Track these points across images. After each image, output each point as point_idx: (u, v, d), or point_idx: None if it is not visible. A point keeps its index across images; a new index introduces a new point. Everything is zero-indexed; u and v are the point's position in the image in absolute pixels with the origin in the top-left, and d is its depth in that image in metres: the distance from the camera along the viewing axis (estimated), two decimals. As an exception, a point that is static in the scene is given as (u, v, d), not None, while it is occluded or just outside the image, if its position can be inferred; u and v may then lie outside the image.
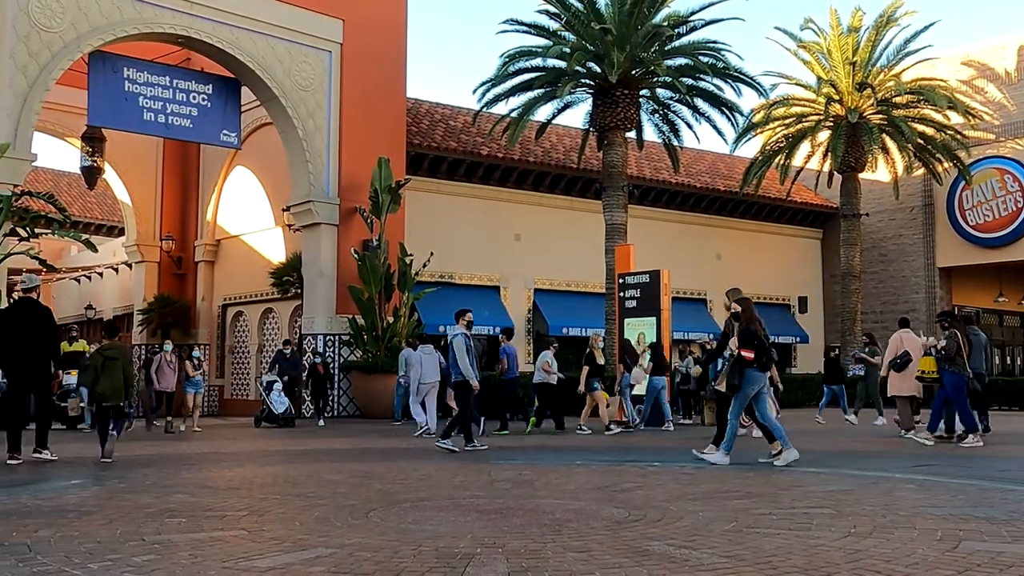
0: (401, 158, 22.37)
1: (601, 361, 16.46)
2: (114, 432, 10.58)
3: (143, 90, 20.29)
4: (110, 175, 25.88)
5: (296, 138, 21.21)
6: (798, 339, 31.05)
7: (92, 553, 4.86)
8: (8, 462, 9.79)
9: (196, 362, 17.37)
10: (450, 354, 12.17)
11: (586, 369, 15.94)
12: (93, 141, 23.02)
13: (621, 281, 18.89)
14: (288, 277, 22.55)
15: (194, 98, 21.09)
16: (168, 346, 17.58)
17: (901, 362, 13.45)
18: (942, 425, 12.88)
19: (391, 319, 20.54)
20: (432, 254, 21.68)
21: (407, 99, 23.77)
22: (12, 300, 11.22)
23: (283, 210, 22.79)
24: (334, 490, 7.82)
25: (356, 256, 20.60)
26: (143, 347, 25.75)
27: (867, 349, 17.64)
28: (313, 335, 21.16)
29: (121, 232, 30.10)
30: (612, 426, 15.62)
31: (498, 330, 24.78)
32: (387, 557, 4.72)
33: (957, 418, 12.63)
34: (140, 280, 27.12)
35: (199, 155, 26.78)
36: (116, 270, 30.61)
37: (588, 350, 16.24)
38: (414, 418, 15.88)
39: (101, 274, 31.87)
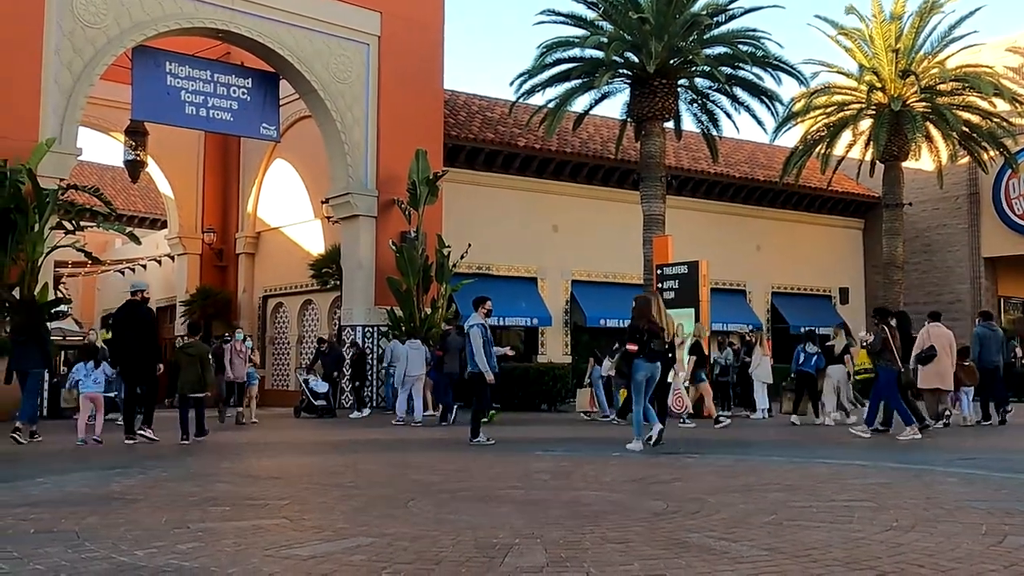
0: (438, 150, 22.43)
1: (707, 352, 16.13)
2: (197, 419, 12.08)
3: (185, 84, 20.55)
4: (153, 169, 26.26)
5: (334, 131, 21.35)
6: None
7: (138, 540, 4.95)
8: (125, 441, 11.58)
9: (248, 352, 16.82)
10: (467, 345, 11.67)
11: (692, 360, 15.39)
12: (136, 135, 23.37)
13: (659, 272, 18.79)
14: (327, 269, 22.73)
15: (234, 92, 21.31)
16: (240, 334, 17.24)
17: (926, 356, 13.70)
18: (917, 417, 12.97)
19: (429, 310, 20.63)
20: (469, 245, 21.73)
21: (444, 91, 23.81)
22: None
23: (322, 202, 22.97)
24: (372, 480, 7.89)
25: (394, 248, 20.71)
26: (213, 338, 26.09)
27: (832, 342, 15.79)
28: (352, 326, 21.32)
29: (164, 225, 30.53)
30: (721, 418, 14.84)
31: (536, 321, 24.92)
32: (426, 547, 4.76)
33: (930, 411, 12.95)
34: (182, 272, 27.50)
35: (239, 148, 27.06)
36: (159, 262, 31.06)
37: (695, 340, 15.75)
38: (396, 408, 16.61)
39: (145, 266, 32.35)
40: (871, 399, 13.03)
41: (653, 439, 10.64)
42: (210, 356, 13.18)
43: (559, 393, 20.29)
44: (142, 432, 11.72)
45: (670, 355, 11.65)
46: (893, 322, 12.76)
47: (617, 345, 16.78)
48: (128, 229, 20.42)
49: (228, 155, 27.36)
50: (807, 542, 4.83)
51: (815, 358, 15.41)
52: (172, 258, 28.72)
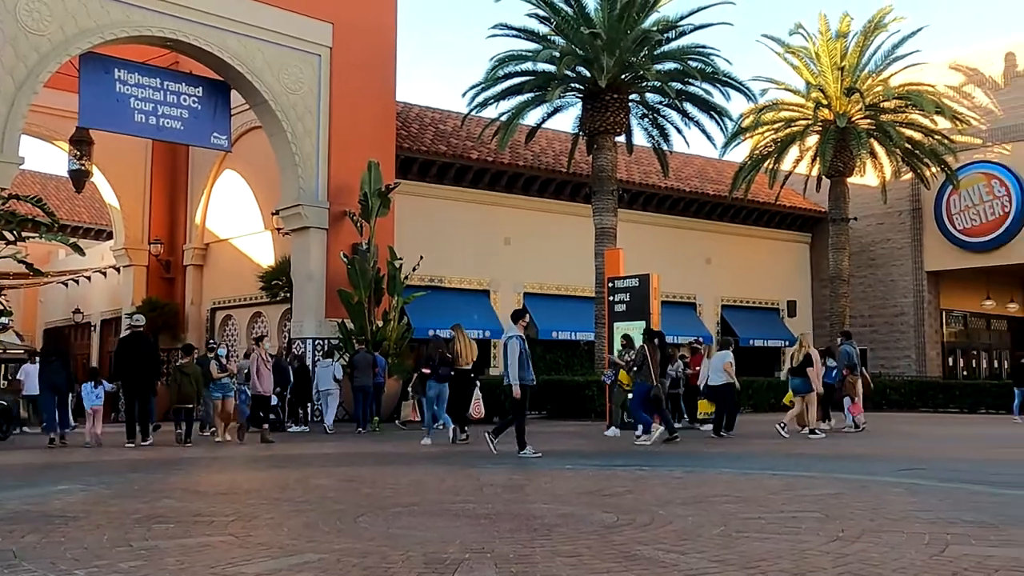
0: (391, 162, 22.34)
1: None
2: (187, 426, 14.53)
3: (134, 92, 20.21)
4: (98, 178, 25.76)
5: (285, 141, 21.16)
6: (786, 343, 31.08)
7: (78, 559, 4.83)
8: (125, 445, 13.75)
9: (222, 363, 15.67)
10: (503, 356, 11.90)
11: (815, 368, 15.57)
12: (81, 144, 22.89)
13: (611, 285, 18.89)
14: (277, 281, 22.48)
15: (184, 100, 21.02)
16: (267, 343, 16.50)
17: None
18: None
19: (380, 323, 20.50)
20: (422, 258, 21.66)
21: (397, 102, 23.75)
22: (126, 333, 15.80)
23: (272, 214, 22.73)
24: (322, 495, 7.79)
25: (345, 260, 20.56)
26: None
27: (623, 352, 16.24)
28: (302, 339, 21.10)
29: (109, 236, 29.96)
30: (817, 430, 15.10)
31: (488, 333, 24.90)
32: (375, 563, 4.71)
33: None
34: (128, 284, 26.99)
35: (188, 158, 26.68)
36: (104, 274, 30.45)
37: (806, 352, 15.62)
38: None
39: (89, 278, 31.70)
40: (632, 410, 14.61)
41: (452, 438, 13.69)
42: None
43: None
44: (144, 442, 14.01)
45: (472, 375, 14.96)
46: (656, 342, 14.43)
47: (689, 356, 18.92)
48: (72, 240, 19.92)
49: (176, 165, 26.96)
50: (756, 553, 4.87)
51: (834, 372, 16.62)
52: (118, 270, 28.17)
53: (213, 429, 15.92)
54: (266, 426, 15.48)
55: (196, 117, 21.16)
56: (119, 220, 26.86)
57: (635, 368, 14.36)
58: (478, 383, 15.33)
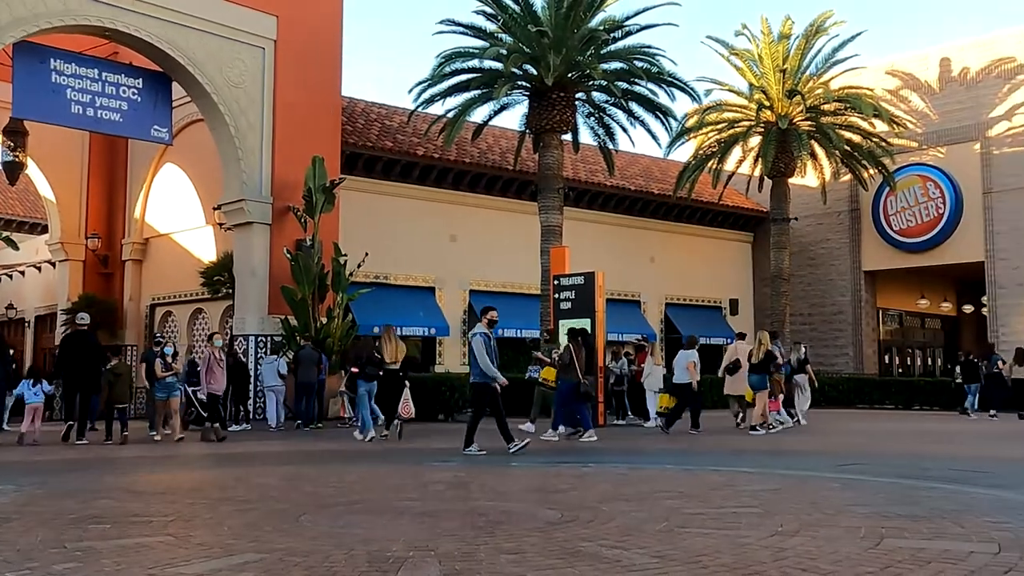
0: (336, 157, 22.13)
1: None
2: (123, 424, 14.80)
3: (71, 82, 19.70)
4: (33, 171, 25.07)
5: (228, 135, 20.83)
6: (729, 340, 31.51)
7: (10, 562, 4.70)
8: (76, 442, 14.02)
9: (167, 362, 15.10)
10: (469, 354, 11.87)
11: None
12: (15, 135, 22.27)
13: (556, 282, 18.98)
14: (219, 277, 22.13)
15: (124, 92, 20.55)
16: (218, 341, 16.06)
17: (733, 367, 16.46)
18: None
19: (324, 320, 20.31)
20: (367, 254, 21.50)
21: (343, 97, 23.53)
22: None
23: (214, 208, 22.36)
24: (264, 494, 7.70)
25: (289, 256, 20.32)
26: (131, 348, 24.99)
27: (548, 349, 16.67)
28: (244, 336, 20.81)
29: (44, 230, 29.17)
30: (759, 427, 15.40)
31: (433, 331, 24.83)
32: (318, 562, 4.67)
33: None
34: (64, 279, 26.32)
35: (127, 151, 26.11)
36: (39, 269, 29.68)
37: (763, 348, 16.14)
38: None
39: (23, 272, 30.88)
40: (555, 406, 14.84)
41: (387, 434, 14.70)
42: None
43: (456, 403, 20.26)
44: (77, 441, 14.12)
45: (401, 373, 15.25)
46: (580, 340, 14.65)
47: (634, 353, 19.86)
48: (5, 234, 19.46)
49: (115, 158, 26.37)
50: (697, 548, 4.94)
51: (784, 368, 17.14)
52: (53, 264, 27.47)
53: (153, 433, 15.54)
54: (216, 424, 15.20)
55: (136, 109, 20.71)
56: (55, 213, 26.18)
57: (561, 365, 14.54)
58: (407, 383, 15.56)
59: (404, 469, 9.72)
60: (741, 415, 16.75)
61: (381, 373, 14.80)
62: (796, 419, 17.64)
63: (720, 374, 17.08)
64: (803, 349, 19.32)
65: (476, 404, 11.88)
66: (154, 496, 7.78)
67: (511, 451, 11.17)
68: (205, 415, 16.04)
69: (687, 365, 15.81)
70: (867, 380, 29.21)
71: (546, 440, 13.79)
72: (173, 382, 15.10)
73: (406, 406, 16.04)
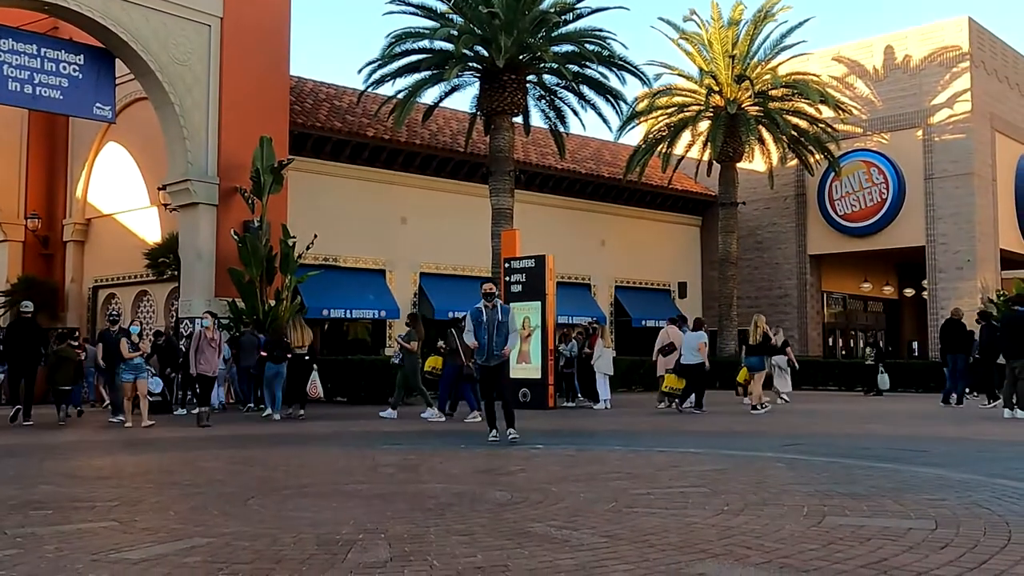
0: (284, 138, 21.83)
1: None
2: (66, 406, 15.44)
3: (7, 58, 19.14)
4: (-31, 149, 24.39)
5: (173, 114, 20.42)
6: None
7: (-53, 549, 4.59)
8: (24, 423, 14.51)
9: (134, 342, 14.44)
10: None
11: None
12: (-50, 112, 21.63)
13: (507, 265, 18.99)
14: (164, 258, 21.76)
15: (64, 68, 20.02)
16: (207, 321, 14.90)
17: (668, 349, 17.31)
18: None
19: (272, 302, 20.09)
20: (316, 236, 21.28)
21: (291, 76, 23.20)
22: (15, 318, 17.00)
23: (159, 189, 21.95)
24: (211, 478, 7.62)
25: (236, 238, 20.04)
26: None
27: (406, 334, 16.04)
28: (191, 319, 20.50)
29: (-19, 209, 28.39)
30: (759, 406, 16.03)
31: (384, 314, 24.71)
32: (266, 546, 4.64)
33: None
34: (2, 260, 25.67)
35: (68, 129, 25.50)
36: (-24, 249, 28.88)
37: (759, 329, 16.64)
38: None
39: (-41, 253, 30.00)
40: (440, 390, 15.36)
41: (292, 415, 15.74)
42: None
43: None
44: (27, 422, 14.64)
45: (307, 357, 16.25)
46: (452, 331, 14.98)
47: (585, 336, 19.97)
48: (-60, 213, 18.86)
49: (55, 136, 25.72)
50: (644, 528, 5.00)
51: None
52: (-9, 245, 26.78)
53: (121, 417, 14.77)
54: (204, 408, 14.53)
55: (77, 86, 20.19)
56: (-8, 193, 25.49)
57: (448, 350, 15.09)
58: (315, 366, 16.79)
59: (353, 452, 9.68)
60: (670, 402, 17.04)
61: (289, 356, 15.86)
62: (782, 399, 19.21)
63: (654, 357, 17.94)
64: (782, 333, 20.86)
65: (482, 389, 11.61)
66: (97, 481, 7.65)
67: (509, 438, 10.50)
68: (152, 400, 15.77)
69: (697, 346, 16.24)
70: (811, 362, 29.75)
71: (428, 420, 14.43)
72: (140, 363, 14.45)
73: (314, 387, 16.93)
